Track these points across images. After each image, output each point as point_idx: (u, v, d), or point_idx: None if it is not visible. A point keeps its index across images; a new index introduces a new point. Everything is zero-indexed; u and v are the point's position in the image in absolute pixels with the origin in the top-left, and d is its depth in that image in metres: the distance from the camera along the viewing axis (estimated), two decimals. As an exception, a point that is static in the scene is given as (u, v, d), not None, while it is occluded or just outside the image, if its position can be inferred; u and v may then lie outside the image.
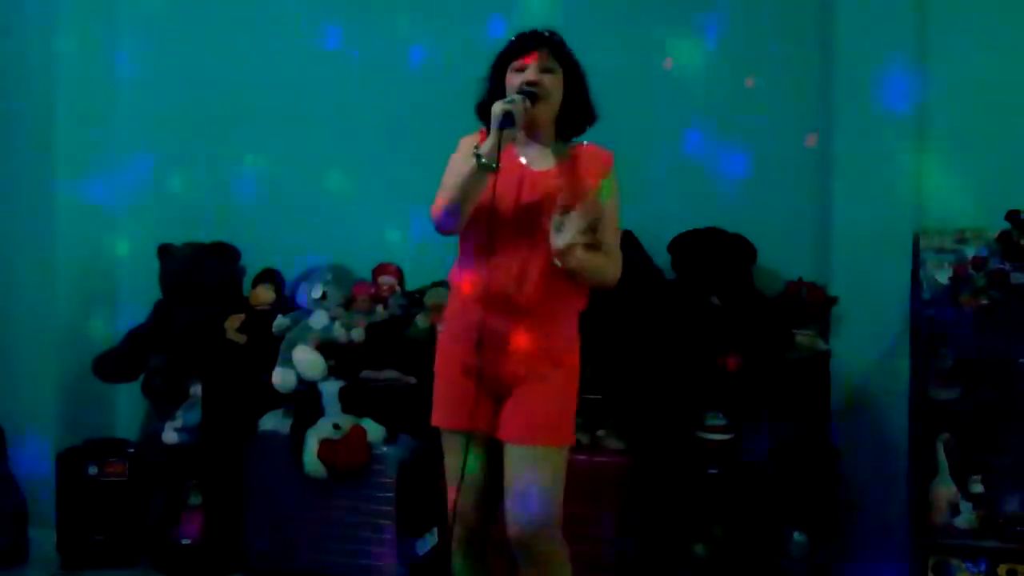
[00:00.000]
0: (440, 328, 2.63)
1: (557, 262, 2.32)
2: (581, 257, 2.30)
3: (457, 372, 2.49)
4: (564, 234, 2.28)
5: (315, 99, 4.21)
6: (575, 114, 2.53)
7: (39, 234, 4.16)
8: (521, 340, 2.41)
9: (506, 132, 2.34)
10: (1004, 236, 3.24)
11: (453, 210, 2.38)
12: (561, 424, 2.47)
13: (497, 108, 2.34)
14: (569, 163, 2.49)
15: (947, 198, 3.48)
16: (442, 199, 2.42)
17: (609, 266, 2.44)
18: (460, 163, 2.43)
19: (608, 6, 3.84)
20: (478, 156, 2.32)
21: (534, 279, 2.40)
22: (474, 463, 2.45)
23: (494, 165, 2.32)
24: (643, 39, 3.82)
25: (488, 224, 2.39)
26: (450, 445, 2.53)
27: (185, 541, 3.77)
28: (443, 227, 2.44)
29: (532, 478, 2.39)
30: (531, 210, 2.41)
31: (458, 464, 2.43)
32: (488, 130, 2.45)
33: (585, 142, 2.58)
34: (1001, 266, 3.21)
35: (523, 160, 2.49)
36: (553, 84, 2.45)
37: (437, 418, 2.56)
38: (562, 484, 2.43)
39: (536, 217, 2.40)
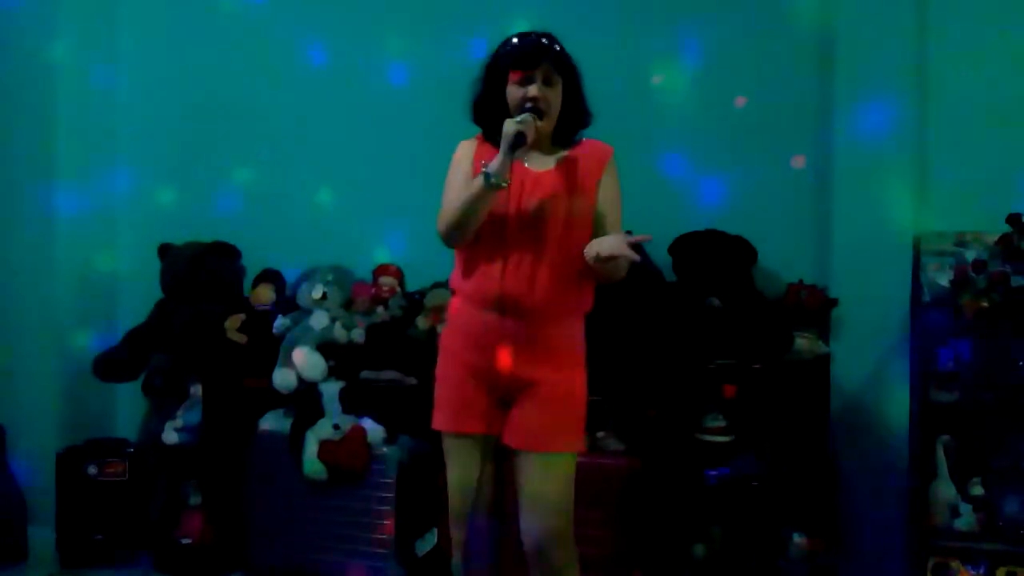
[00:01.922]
0: (441, 331, 2.61)
1: (596, 261, 2.30)
2: (622, 265, 2.35)
3: (464, 375, 2.47)
4: (611, 242, 2.28)
5: (318, 101, 4.22)
6: (570, 120, 2.52)
7: (39, 234, 4.16)
8: (531, 342, 2.41)
9: (518, 152, 2.33)
10: (1004, 239, 3.24)
11: (462, 227, 2.37)
12: (572, 429, 2.47)
13: (510, 128, 2.32)
14: (567, 163, 2.49)
15: (947, 201, 3.48)
16: (449, 215, 2.39)
17: (622, 260, 2.39)
18: (463, 176, 2.41)
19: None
20: (487, 175, 2.30)
21: (544, 281, 2.39)
22: (481, 468, 2.44)
23: (504, 184, 2.31)
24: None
25: (493, 229, 2.39)
26: (457, 449, 2.50)
27: (185, 541, 3.77)
28: (451, 242, 2.44)
29: (546, 485, 2.39)
30: (535, 212, 2.40)
31: (464, 469, 2.43)
32: (484, 135, 2.49)
33: (587, 139, 2.58)
34: (1001, 269, 3.21)
35: (521, 160, 2.47)
36: (555, 97, 2.44)
37: (442, 422, 2.52)
38: (572, 489, 2.44)
39: (540, 218, 2.40)
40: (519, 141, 2.32)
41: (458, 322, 2.52)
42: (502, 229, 2.40)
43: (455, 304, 2.55)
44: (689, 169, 3.76)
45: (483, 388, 2.44)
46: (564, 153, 2.52)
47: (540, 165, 2.49)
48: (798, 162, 3.68)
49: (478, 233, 2.42)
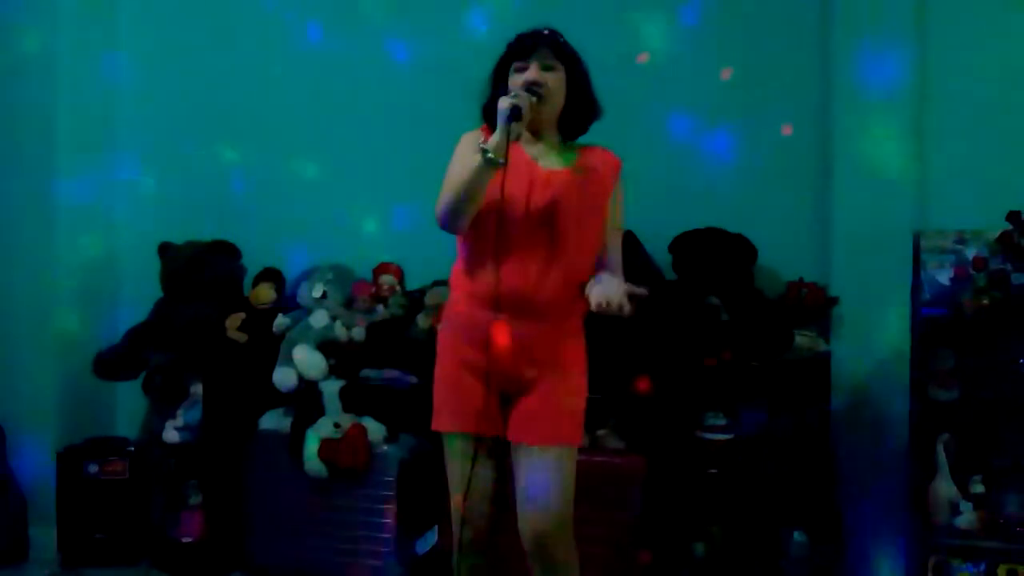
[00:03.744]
0: (440, 328, 2.58)
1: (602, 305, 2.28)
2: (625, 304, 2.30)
3: (464, 374, 2.45)
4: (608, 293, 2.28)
5: (319, 100, 4.22)
6: (579, 111, 2.51)
7: (39, 233, 4.16)
8: (532, 341, 2.40)
9: (513, 126, 2.30)
10: (1005, 237, 3.25)
11: (459, 207, 2.33)
12: (574, 424, 2.46)
13: (504, 103, 2.31)
14: (585, 172, 2.47)
15: (948, 198, 3.48)
16: (447, 196, 2.36)
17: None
18: (464, 160, 2.38)
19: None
20: (484, 151, 2.28)
21: (552, 280, 2.38)
22: (482, 468, 2.42)
23: (501, 160, 2.28)
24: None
25: (500, 225, 2.36)
26: (456, 450, 2.47)
27: (185, 540, 3.78)
28: (449, 226, 2.39)
29: (548, 479, 2.38)
30: (545, 210, 2.38)
31: (464, 470, 2.41)
32: (491, 128, 2.45)
33: (596, 145, 2.57)
34: (1002, 267, 3.21)
35: (531, 158, 2.46)
36: (555, 82, 2.43)
37: (441, 422, 2.50)
38: (572, 486, 2.43)
39: (550, 217, 2.38)
40: (514, 114, 2.30)
41: (459, 320, 2.49)
42: (509, 225, 2.37)
43: (455, 301, 2.52)
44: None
45: (484, 387, 2.42)
46: (575, 154, 2.50)
47: (550, 163, 2.47)
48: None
49: (483, 229, 2.38)
